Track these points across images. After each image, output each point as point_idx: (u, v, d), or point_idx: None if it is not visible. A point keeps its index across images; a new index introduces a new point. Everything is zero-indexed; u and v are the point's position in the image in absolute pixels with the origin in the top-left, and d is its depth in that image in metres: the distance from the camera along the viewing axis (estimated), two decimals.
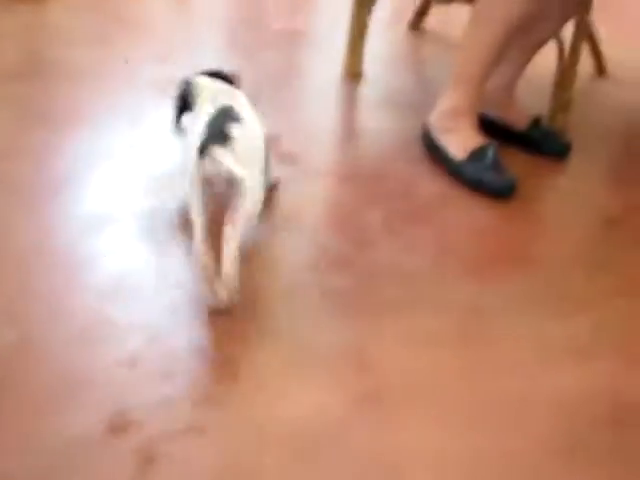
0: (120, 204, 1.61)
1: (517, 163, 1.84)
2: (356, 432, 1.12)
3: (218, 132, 1.32)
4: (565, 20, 1.96)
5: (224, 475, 1.03)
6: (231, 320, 1.32)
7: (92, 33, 2.48)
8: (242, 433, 1.10)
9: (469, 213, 1.70)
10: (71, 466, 1.02)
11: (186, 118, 1.57)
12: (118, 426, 1.09)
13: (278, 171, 1.75)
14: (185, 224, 1.56)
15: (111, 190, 1.66)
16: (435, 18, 2.70)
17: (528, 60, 1.97)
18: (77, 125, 1.90)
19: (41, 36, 2.51)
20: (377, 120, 2.12)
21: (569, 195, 1.83)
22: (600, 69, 2.55)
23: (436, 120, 1.85)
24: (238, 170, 1.28)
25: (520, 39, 1.83)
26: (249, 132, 1.39)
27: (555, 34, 1.98)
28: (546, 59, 2.04)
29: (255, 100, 1.56)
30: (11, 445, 1.04)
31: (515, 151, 1.92)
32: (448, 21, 2.63)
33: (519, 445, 1.13)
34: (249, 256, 1.48)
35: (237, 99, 1.51)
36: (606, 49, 2.54)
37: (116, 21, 2.59)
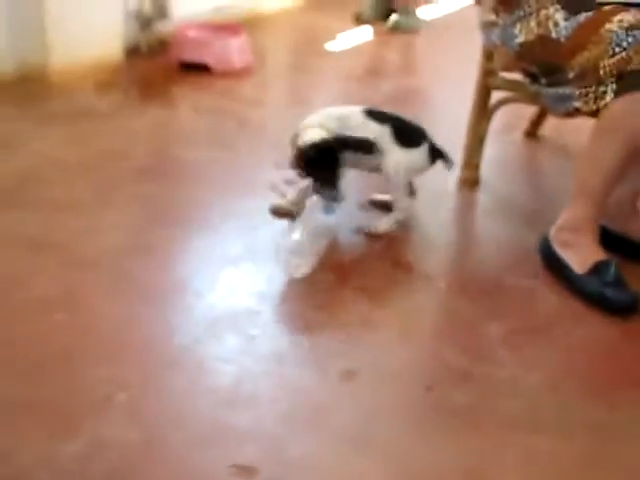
0: (240, 307, 1.65)
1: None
2: None
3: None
4: None
5: None
6: (343, 434, 1.31)
7: (216, 135, 2.60)
8: None
9: (590, 330, 1.65)
10: None
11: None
12: None
13: (393, 278, 1.77)
14: (304, 331, 1.59)
15: (232, 293, 1.70)
16: (551, 125, 2.70)
17: None
18: (199, 225, 1.97)
19: (169, 136, 2.65)
20: (494, 229, 2.11)
21: None
22: None
23: (556, 233, 1.82)
24: None
25: None
26: None
27: None
28: None
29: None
30: None
31: (637, 266, 1.87)
32: (564, 128, 2.62)
33: None
34: (366, 366, 1.48)
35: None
36: None
37: (239, 124, 2.71)
